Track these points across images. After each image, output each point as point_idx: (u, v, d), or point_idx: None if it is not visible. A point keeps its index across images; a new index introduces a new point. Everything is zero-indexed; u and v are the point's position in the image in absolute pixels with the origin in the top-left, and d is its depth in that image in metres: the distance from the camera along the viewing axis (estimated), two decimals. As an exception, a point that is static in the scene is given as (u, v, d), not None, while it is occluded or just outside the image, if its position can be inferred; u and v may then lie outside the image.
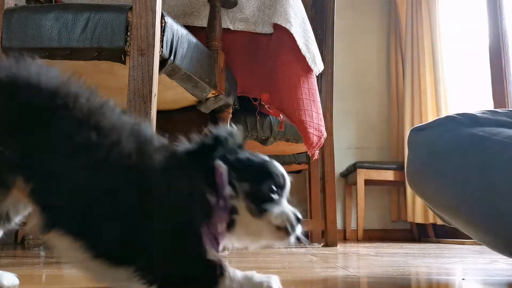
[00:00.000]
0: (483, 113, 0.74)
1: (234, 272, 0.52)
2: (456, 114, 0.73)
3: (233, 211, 0.53)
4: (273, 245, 0.57)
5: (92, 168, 0.50)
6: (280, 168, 0.59)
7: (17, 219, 0.55)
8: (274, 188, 0.56)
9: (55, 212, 0.50)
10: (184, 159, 0.54)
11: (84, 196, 0.49)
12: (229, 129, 0.57)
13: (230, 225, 0.54)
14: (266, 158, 0.59)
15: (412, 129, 0.77)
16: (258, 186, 0.55)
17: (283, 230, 0.55)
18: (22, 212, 0.56)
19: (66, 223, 0.49)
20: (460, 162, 0.68)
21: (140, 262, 0.49)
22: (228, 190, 0.53)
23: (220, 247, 0.54)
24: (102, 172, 0.50)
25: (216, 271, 0.50)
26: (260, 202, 0.54)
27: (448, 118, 0.73)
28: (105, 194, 0.49)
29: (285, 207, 0.56)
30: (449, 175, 0.70)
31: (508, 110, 0.76)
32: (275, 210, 0.55)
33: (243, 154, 0.57)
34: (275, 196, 0.56)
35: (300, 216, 0.57)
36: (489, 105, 2.83)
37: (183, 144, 0.56)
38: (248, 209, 0.54)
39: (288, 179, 0.59)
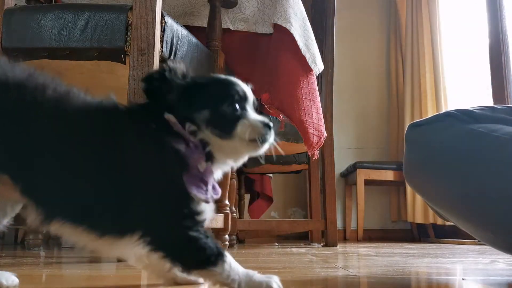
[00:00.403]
0: (481, 109, 0.74)
1: (237, 265, 0.53)
2: (454, 110, 0.73)
3: (204, 144, 0.54)
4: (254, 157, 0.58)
5: (72, 154, 0.51)
6: (235, 81, 0.58)
7: (5, 221, 0.55)
8: (234, 104, 0.55)
9: (49, 205, 0.51)
10: (142, 121, 0.54)
11: (71, 183, 0.51)
12: (165, 66, 0.56)
13: (209, 158, 0.55)
14: (219, 76, 0.59)
15: (410, 125, 0.77)
16: (216, 110, 0.54)
17: (255, 141, 0.55)
18: (10, 214, 0.56)
19: (62, 213, 0.51)
20: (458, 158, 0.68)
21: (139, 229, 0.50)
22: (188, 128, 0.53)
23: (211, 184, 0.54)
24: (80, 155, 0.51)
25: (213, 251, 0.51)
26: (224, 124, 0.54)
27: (446, 114, 0.73)
28: (88, 175, 0.51)
29: (251, 119, 0.56)
30: (446, 171, 0.70)
31: (506, 106, 0.76)
32: (241, 125, 0.55)
33: (192, 82, 0.56)
34: (237, 112, 0.55)
35: (269, 122, 0.56)
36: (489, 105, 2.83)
37: (136, 106, 0.58)
38: (215, 135, 0.54)
39: (247, 89, 0.58)
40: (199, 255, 0.51)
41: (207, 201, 0.53)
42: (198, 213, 0.52)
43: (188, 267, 0.53)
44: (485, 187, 0.65)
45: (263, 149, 0.57)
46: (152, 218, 0.51)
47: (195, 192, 0.51)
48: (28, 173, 0.50)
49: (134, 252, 0.54)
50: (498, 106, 0.77)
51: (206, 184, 0.53)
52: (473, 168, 0.66)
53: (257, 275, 0.53)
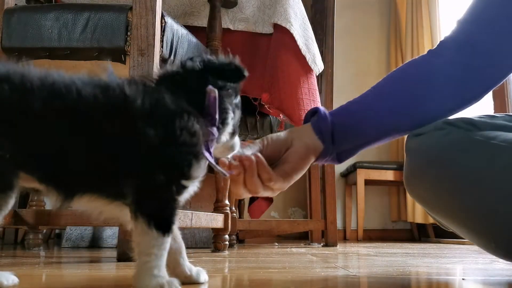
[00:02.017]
0: (480, 117, 0.74)
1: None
2: (454, 119, 0.73)
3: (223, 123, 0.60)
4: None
5: (80, 133, 0.51)
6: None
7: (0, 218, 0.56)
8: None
9: (69, 186, 0.52)
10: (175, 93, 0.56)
11: (85, 157, 0.51)
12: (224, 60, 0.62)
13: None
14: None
15: (409, 134, 0.77)
16: (237, 124, 0.65)
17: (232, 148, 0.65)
18: (5, 211, 0.56)
19: (82, 189, 0.52)
20: (458, 167, 0.68)
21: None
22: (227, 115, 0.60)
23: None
24: (90, 125, 0.51)
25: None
26: (235, 133, 0.64)
27: (446, 122, 0.73)
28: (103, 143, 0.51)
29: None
30: (446, 179, 0.69)
31: (505, 114, 0.76)
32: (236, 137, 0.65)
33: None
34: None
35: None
36: (489, 105, 2.83)
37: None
38: (230, 133, 0.62)
39: None
40: (172, 219, 0.54)
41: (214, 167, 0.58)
42: (195, 177, 0.55)
43: (160, 226, 0.53)
44: (485, 196, 0.64)
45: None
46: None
47: (207, 155, 0.55)
48: (42, 163, 0.51)
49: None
50: (496, 114, 0.77)
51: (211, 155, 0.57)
52: (473, 176, 0.66)
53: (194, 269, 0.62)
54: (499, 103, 2.82)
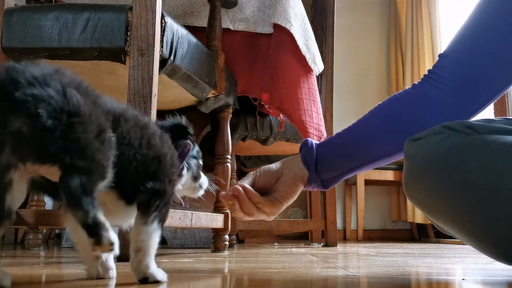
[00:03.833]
0: (478, 121, 0.74)
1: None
2: (452, 123, 0.72)
3: (180, 173, 0.75)
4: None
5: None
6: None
7: (13, 214, 0.57)
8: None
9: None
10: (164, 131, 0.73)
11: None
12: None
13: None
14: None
15: (407, 139, 0.77)
16: (198, 169, 0.80)
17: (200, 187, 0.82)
18: (17, 206, 0.58)
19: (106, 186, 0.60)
20: (458, 171, 0.67)
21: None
22: (188, 163, 0.77)
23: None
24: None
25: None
26: (197, 176, 0.80)
27: (444, 126, 0.72)
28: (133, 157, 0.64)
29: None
30: (447, 184, 0.69)
31: (503, 118, 0.76)
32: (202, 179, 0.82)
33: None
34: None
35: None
36: (489, 108, 2.84)
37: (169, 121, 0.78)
38: (191, 178, 0.79)
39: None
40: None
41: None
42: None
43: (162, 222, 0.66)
44: (484, 200, 0.64)
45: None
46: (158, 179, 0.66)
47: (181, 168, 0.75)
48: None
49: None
50: (494, 118, 0.77)
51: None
52: (473, 181, 0.66)
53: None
54: (500, 106, 2.83)
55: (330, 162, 0.85)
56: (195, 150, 0.80)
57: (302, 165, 0.84)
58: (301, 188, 0.84)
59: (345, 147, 0.86)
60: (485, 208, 0.64)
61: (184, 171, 0.77)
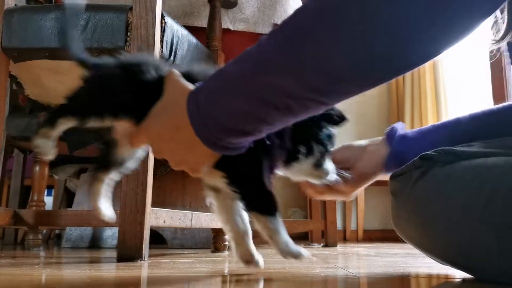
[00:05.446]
0: (458, 146, 0.71)
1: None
2: (431, 153, 0.70)
3: (295, 158, 0.73)
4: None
5: None
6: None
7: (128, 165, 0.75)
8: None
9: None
10: None
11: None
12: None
13: (288, 164, 0.74)
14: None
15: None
16: (324, 154, 0.75)
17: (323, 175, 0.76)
18: (131, 161, 0.75)
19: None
20: (442, 205, 0.65)
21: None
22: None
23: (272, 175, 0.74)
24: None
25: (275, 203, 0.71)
26: (321, 163, 0.75)
27: (422, 157, 0.69)
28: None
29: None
30: (432, 220, 0.67)
31: (480, 142, 0.73)
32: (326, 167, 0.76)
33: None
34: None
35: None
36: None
37: None
38: (312, 165, 0.74)
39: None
40: (271, 205, 0.70)
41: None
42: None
43: (262, 212, 0.70)
44: (477, 232, 0.62)
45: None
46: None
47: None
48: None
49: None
50: (472, 143, 0.74)
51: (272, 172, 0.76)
52: (459, 212, 0.64)
53: (293, 244, 0.71)
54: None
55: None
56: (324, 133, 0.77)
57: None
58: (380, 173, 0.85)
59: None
60: (477, 241, 0.63)
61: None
